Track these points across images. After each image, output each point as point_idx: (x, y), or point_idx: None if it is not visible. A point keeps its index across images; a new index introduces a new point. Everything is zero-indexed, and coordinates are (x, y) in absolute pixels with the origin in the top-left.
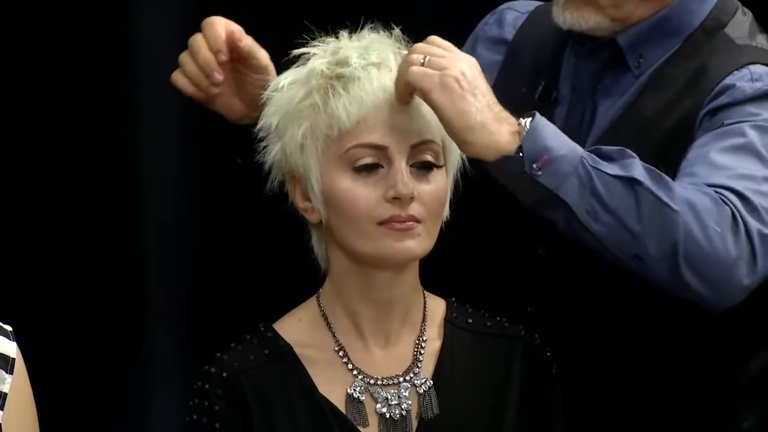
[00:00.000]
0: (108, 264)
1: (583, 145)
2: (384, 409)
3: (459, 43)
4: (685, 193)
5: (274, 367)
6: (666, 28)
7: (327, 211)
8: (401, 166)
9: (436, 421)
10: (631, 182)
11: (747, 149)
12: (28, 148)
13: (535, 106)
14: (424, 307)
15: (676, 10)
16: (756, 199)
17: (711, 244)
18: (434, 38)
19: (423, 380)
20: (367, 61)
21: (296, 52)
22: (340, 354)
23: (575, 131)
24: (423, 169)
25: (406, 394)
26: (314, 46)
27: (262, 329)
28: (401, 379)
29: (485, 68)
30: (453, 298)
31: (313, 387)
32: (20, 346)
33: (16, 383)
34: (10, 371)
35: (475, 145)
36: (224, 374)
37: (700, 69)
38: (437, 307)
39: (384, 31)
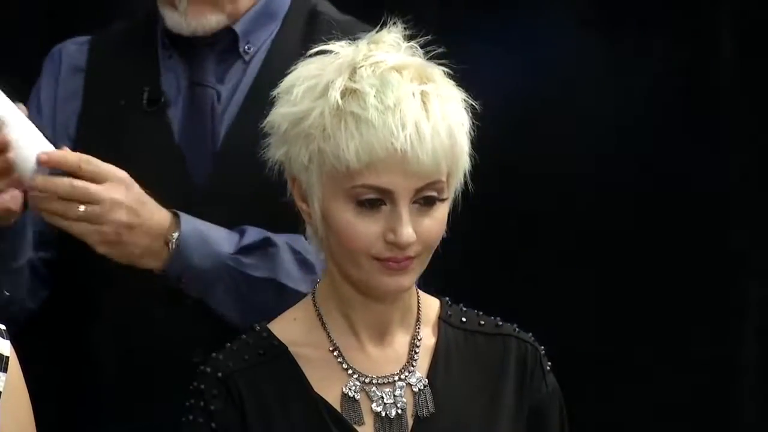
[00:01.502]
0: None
1: (218, 135)
2: (379, 408)
3: (459, 45)
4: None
5: (269, 367)
6: (268, 12)
7: (325, 229)
8: (404, 210)
9: (431, 420)
10: (273, 282)
11: None
12: None
13: (146, 112)
14: (419, 306)
15: None
16: None
17: None
18: (85, 165)
19: (418, 379)
20: (384, 105)
21: (311, 51)
22: (335, 353)
23: (206, 124)
24: (426, 204)
25: (402, 392)
26: (334, 44)
27: (257, 329)
28: (396, 378)
29: (72, 97)
30: (447, 298)
31: (309, 386)
32: (15, 344)
33: (10, 381)
34: (4, 369)
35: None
36: (219, 374)
37: (313, 46)
38: (431, 305)
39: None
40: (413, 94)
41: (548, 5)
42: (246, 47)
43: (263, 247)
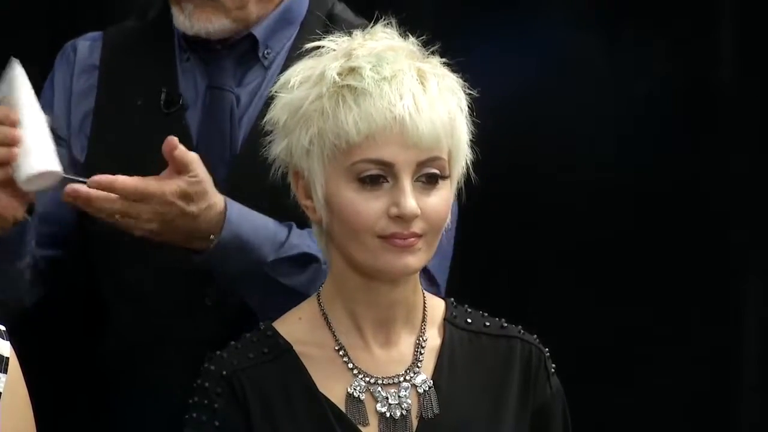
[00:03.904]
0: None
1: (237, 139)
2: (384, 409)
3: (457, 45)
4: None
5: (273, 366)
6: (287, 18)
7: (329, 216)
8: (407, 183)
9: (436, 421)
10: (306, 294)
11: None
12: None
13: (164, 114)
14: (424, 307)
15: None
16: (435, 272)
17: None
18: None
19: (423, 380)
20: (381, 75)
21: (308, 46)
22: (341, 353)
23: (224, 128)
24: (429, 183)
25: (407, 393)
26: (328, 40)
27: (262, 328)
28: (401, 379)
29: (87, 94)
30: (452, 299)
31: (313, 385)
32: (15, 344)
33: (10, 382)
34: (4, 370)
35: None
36: (224, 372)
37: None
38: (436, 306)
39: (396, 27)
40: (410, 68)
41: (548, 5)
42: (265, 52)
43: (306, 261)
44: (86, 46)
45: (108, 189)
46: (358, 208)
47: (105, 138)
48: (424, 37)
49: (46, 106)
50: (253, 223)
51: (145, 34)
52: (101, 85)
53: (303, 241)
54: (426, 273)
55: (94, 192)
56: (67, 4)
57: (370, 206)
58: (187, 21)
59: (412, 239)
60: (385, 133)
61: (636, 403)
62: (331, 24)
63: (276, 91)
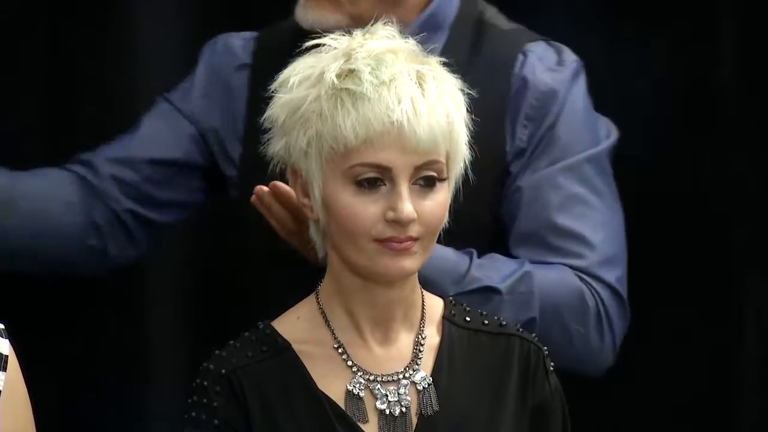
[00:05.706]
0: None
1: None
2: (383, 406)
3: None
4: (548, 288)
5: (272, 364)
6: (434, 23)
7: (326, 217)
8: (404, 188)
9: (435, 418)
10: (488, 290)
11: (591, 204)
12: (23, 150)
13: None
14: (423, 305)
15: (440, 4)
16: (619, 287)
17: (571, 344)
18: None
19: (422, 377)
20: (379, 80)
21: (308, 44)
22: (339, 350)
23: None
24: (426, 185)
25: (406, 390)
26: (327, 37)
27: (261, 327)
28: (401, 376)
29: (237, 93)
30: (450, 297)
31: (312, 383)
32: (14, 343)
33: (9, 380)
34: (4, 368)
35: None
36: (222, 371)
37: (480, 56)
38: (435, 305)
39: (395, 26)
40: (408, 72)
41: (548, 5)
42: None
43: (487, 296)
44: (238, 44)
45: (285, 201)
46: (355, 211)
47: (260, 141)
48: (424, 33)
49: (182, 92)
50: (431, 254)
51: (296, 32)
52: (252, 87)
53: (484, 273)
54: (617, 295)
55: (276, 206)
56: (68, 5)
57: (367, 210)
58: (302, 12)
59: (409, 243)
60: (383, 138)
61: (636, 404)
62: (481, 28)
63: (275, 90)
